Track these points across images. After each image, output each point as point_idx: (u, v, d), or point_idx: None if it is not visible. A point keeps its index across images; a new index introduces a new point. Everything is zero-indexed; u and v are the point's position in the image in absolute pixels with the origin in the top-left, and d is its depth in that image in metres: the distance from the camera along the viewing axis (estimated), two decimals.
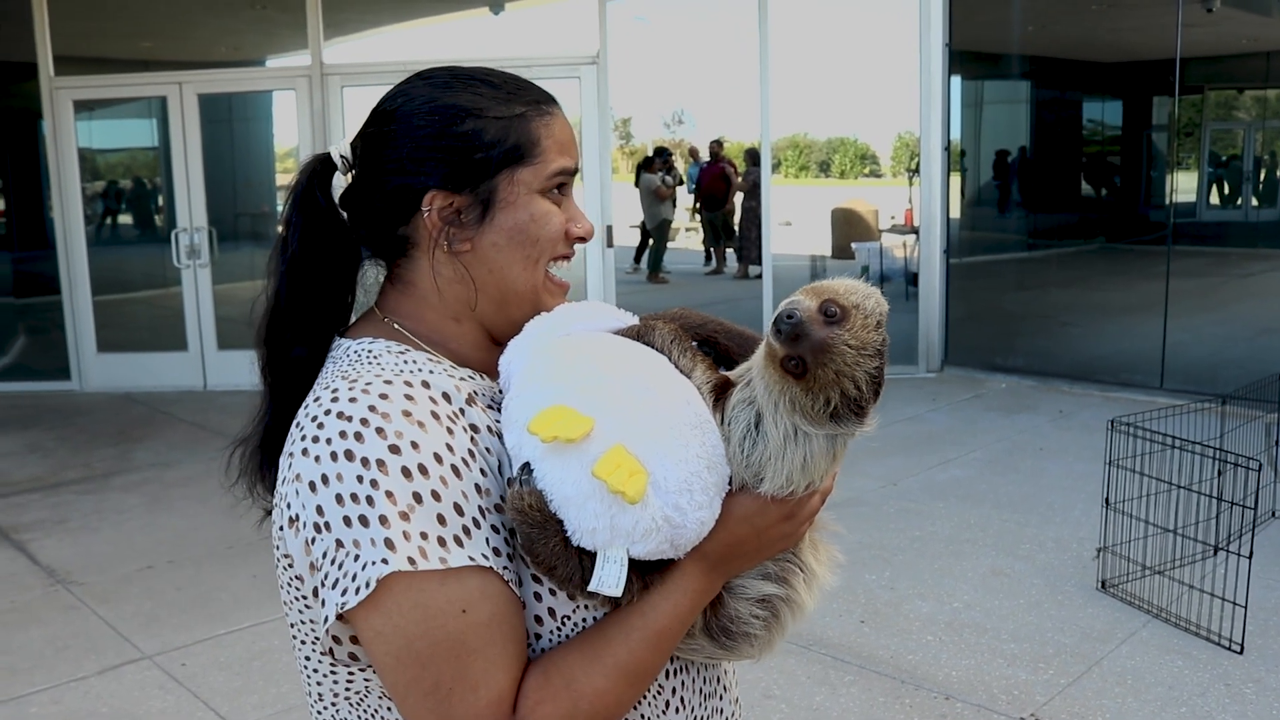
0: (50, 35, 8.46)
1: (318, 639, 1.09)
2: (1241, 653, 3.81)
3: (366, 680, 1.10)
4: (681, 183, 16.78)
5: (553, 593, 1.06)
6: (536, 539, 1.01)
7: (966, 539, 4.97)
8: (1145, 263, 8.76)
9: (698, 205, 16.93)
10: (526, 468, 1.02)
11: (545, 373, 1.07)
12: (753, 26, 8.37)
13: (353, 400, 1.02)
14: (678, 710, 1.19)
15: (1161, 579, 4.26)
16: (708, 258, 16.54)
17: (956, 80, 8.63)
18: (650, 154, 17.07)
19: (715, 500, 1.07)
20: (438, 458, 1.01)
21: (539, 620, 1.07)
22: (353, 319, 1.24)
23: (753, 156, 14.40)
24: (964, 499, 5.51)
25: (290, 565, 1.08)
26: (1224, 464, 4.18)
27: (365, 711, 1.12)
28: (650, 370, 1.10)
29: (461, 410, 1.07)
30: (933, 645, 3.97)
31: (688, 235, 19.92)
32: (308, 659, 1.14)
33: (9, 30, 8.66)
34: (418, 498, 0.99)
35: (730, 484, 1.09)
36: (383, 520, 0.97)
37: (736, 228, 15.57)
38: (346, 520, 0.98)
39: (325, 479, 1.00)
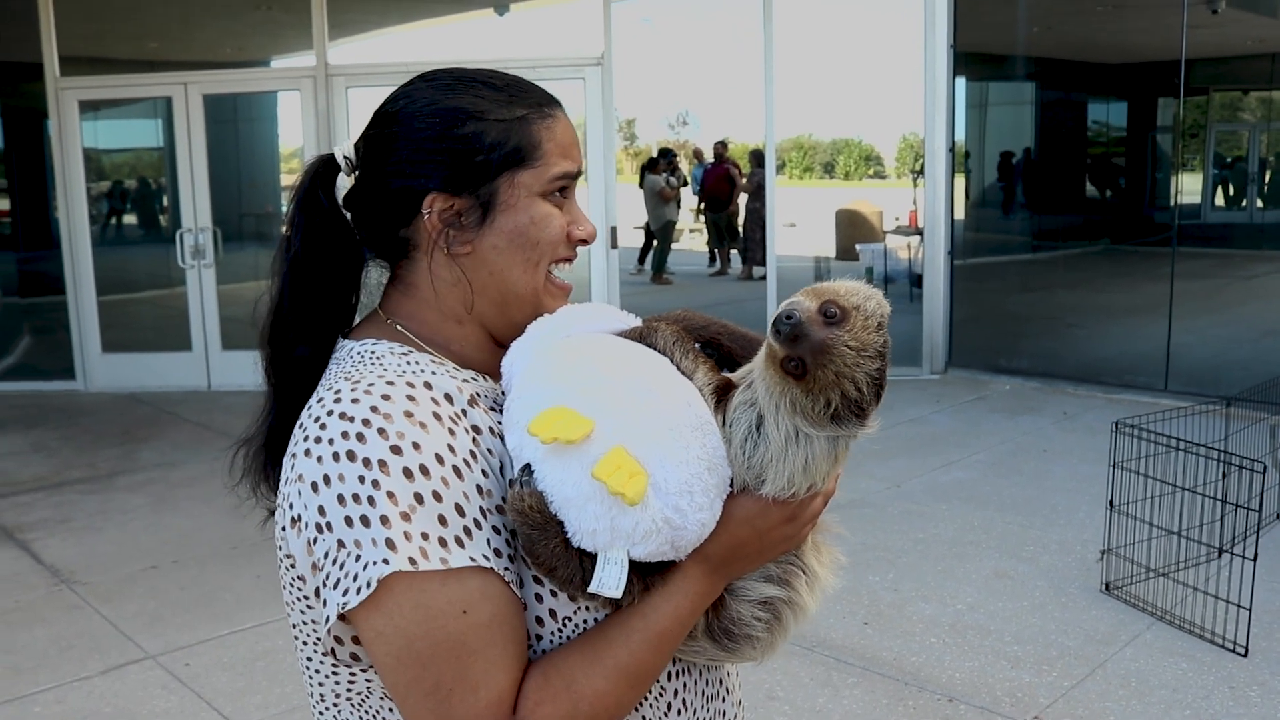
0: (56, 35, 8.49)
1: (319, 639, 1.10)
2: (1246, 655, 3.81)
3: (368, 681, 1.10)
4: (686, 184, 16.78)
5: (554, 594, 1.06)
6: (537, 540, 1.01)
7: (970, 541, 4.96)
8: (1150, 264, 8.75)
9: (702, 206, 16.94)
10: (527, 469, 1.03)
11: (546, 374, 1.07)
12: (757, 28, 8.37)
13: (355, 401, 1.02)
14: (680, 712, 1.19)
15: (1166, 581, 4.25)
16: (712, 259, 16.55)
17: (961, 81, 8.62)
18: (655, 155, 17.08)
19: (716, 502, 1.07)
20: (439, 459, 1.01)
21: (540, 621, 1.07)
22: (357, 320, 1.24)
23: (757, 158, 14.42)
24: (968, 501, 5.50)
25: (293, 565, 1.08)
26: (1229, 466, 4.17)
27: (367, 712, 1.12)
28: (652, 372, 1.10)
29: (464, 411, 1.07)
30: (936, 647, 3.96)
31: (692, 236, 19.93)
32: (310, 660, 1.15)
33: (15, 30, 8.68)
34: (419, 498, 0.99)
35: (732, 486, 1.09)
36: (384, 520, 0.98)
37: (740, 229, 15.58)
38: (348, 520, 0.99)
39: (327, 479, 1.00)
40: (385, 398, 1.02)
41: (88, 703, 3.69)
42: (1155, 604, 4.19)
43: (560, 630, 1.07)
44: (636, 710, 1.14)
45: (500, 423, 1.10)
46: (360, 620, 1.00)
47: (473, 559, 1.00)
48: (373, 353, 1.14)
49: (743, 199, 15.35)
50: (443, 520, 1.00)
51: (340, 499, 0.99)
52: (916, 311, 8.71)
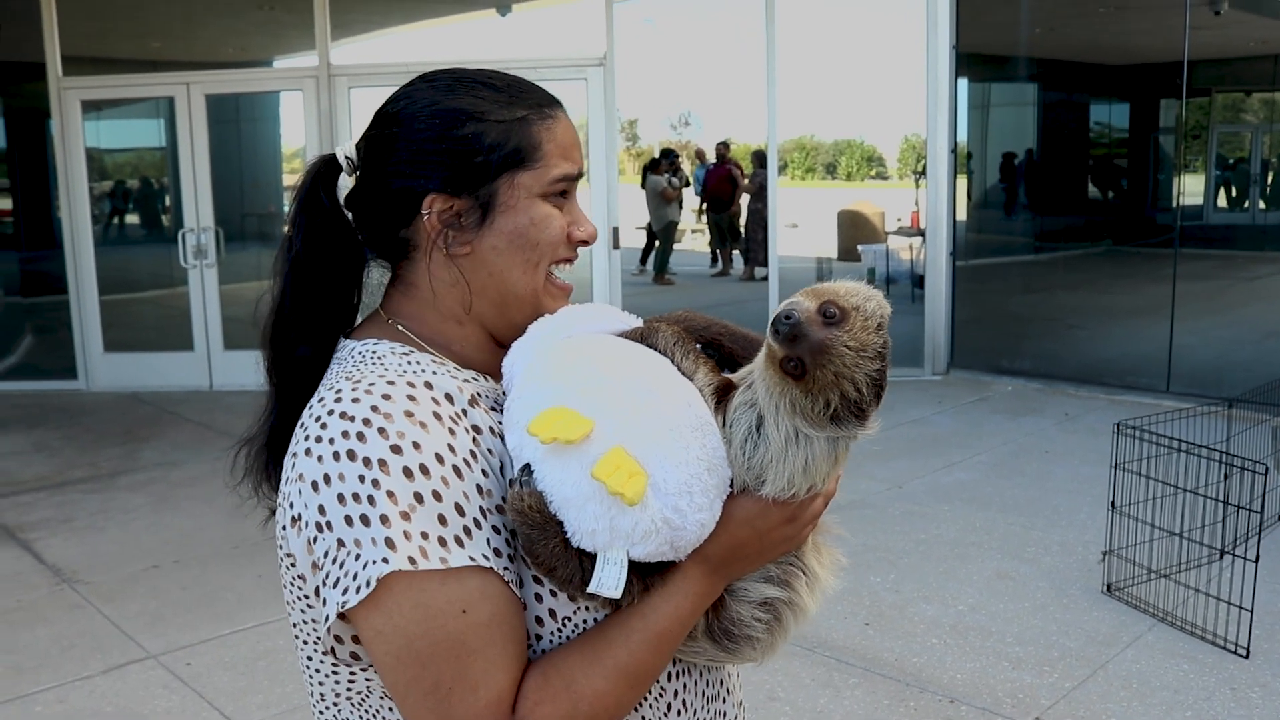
0: (59, 35, 8.50)
1: (319, 639, 1.10)
2: (1247, 657, 3.80)
3: (368, 680, 1.10)
4: (688, 184, 16.78)
5: (554, 594, 1.06)
6: (537, 540, 1.01)
7: (972, 542, 4.96)
8: (1152, 266, 8.74)
9: (704, 207, 16.94)
10: (527, 469, 1.03)
11: (546, 374, 1.07)
12: (759, 29, 8.37)
13: (355, 401, 1.02)
14: (680, 713, 1.19)
15: (1167, 583, 4.25)
16: (714, 259, 16.55)
17: (963, 82, 8.62)
18: (657, 155, 17.10)
19: (716, 502, 1.06)
20: (439, 458, 1.01)
21: (540, 621, 1.07)
22: (359, 321, 1.24)
23: (759, 158, 14.42)
24: (969, 502, 5.50)
25: (293, 564, 1.08)
26: (1230, 467, 4.17)
27: (367, 712, 1.12)
28: (652, 372, 1.10)
29: (464, 411, 1.07)
30: (937, 648, 3.96)
31: (694, 237, 19.93)
32: (310, 659, 1.15)
33: (18, 30, 8.69)
34: (419, 498, 0.99)
35: (732, 486, 1.09)
36: (384, 520, 0.98)
37: (742, 229, 15.59)
38: (348, 520, 0.99)
39: (327, 478, 1.00)
40: (386, 397, 1.02)
41: (89, 702, 3.70)
42: (1157, 605, 4.18)
43: (560, 630, 1.07)
44: (636, 710, 1.14)
45: (501, 423, 1.10)
46: (360, 619, 1.00)
47: (472, 558, 1.00)
48: (374, 353, 1.14)
49: (745, 199, 15.36)
50: (442, 520, 1.00)
51: (340, 498, 0.99)
52: (918, 312, 8.71)
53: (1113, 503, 4.34)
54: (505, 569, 1.03)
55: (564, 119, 1.18)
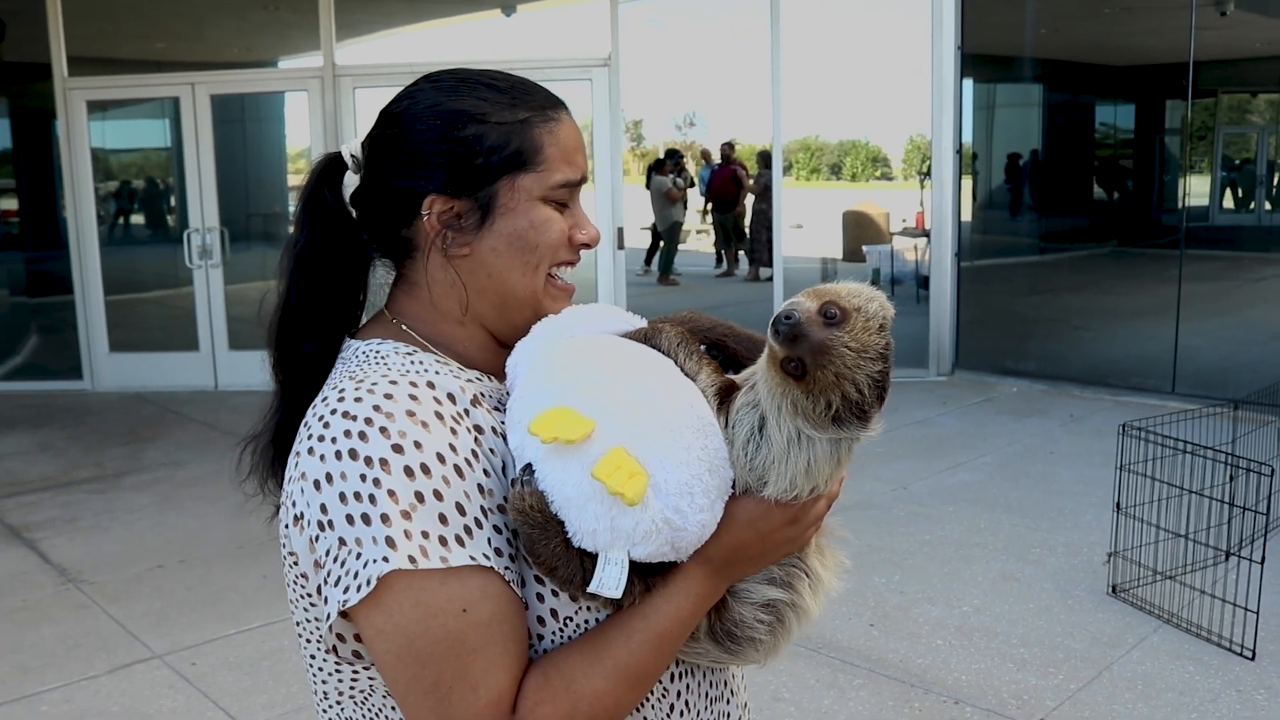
0: (64, 36, 8.51)
1: (322, 637, 1.10)
2: (1253, 659, 3.80)
3: (370, 679, 1.10)
4: (693, 185, 16.79)
5: (555, 594, 1.06)
6: (538, 540, 1.01)
7: (976, 543, 4.95)
8: (1157, 267, 8.72)
9: (709, 207, 16.94)
10: (528, 469, 1.03)
11: (548, 374, 1.07)
12: (764, 29, 8.36)
13: (358, 400, 1.03)
14: (682, 714, 1.19)
15: (1173, 584, 4.24)
16: (718, 260, 16.54)
17: (968, 83, 8.61)
18: (661, 156, 17.10)
19: (717, 503, 1.06)
20: (440, 458, 1.01)
21: (541, 621, 1.07)
22: (364, 319, 1.25)
23: (764, 159, 14.41)
24: (974, 503, 5.49)
25: (296, 563, 1.08)
26: (1236, 469, 4.16)
27: (369, 710, 1.13)
28: (654, 373, 1.10)
29: (466, 411, 1.07)
30: (942, 649, 3.96)
31: (699, 237, 19.92)
32: (313, 657, 1.15)
33: (23, 31, 8.71)
34: (420, 497, 0.99)
35: (734, 487, 1.09)
36: (384, 519, 0.98)
37: (747, 230, 15.59)
38: (349, 518, 0.99)
39: (329, 477, 1.00)
40: (388, 397, 1.03)
41: (94, 702, 3.70)
42: (1162, 607, 4.17)
43: (561, 630, 1.07)
44: (639, 711, 1.14)
45: (503, 423, 1.10)
46: (361, 618, 1.00)
47: (473, 558, 1.00)
48: (378, 352, 1.14)
49: (749, 200, 15.35)
50: (443, 519, 1.00)
51: (342, 497, 0.99)
52: (923, 313, 8.71)
53: (1118, 504, 4.34)
54: (506, 569, 1.03)
55: (567, 121, 1.18)
